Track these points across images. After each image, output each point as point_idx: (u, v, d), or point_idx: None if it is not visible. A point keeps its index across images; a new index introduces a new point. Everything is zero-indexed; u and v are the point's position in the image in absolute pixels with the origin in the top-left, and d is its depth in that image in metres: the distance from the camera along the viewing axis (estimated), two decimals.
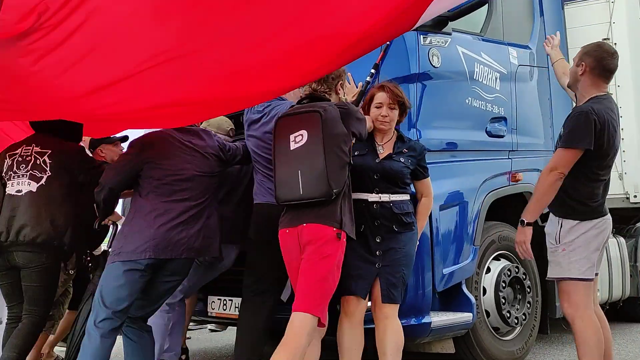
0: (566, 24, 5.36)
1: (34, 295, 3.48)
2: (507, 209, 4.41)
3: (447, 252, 3.86)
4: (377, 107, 3.29)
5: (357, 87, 3.69)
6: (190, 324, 4.78)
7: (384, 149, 3.31)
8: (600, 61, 3.14)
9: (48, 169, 3.56)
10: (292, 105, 3.27)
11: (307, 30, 2.58)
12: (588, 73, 3.17)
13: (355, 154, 3.19)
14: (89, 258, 3.96)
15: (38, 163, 3.57)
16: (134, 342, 3.32)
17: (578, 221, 3.14)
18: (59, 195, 3.57)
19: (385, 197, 3.19)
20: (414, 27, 2.98)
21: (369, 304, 3.22)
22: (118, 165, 3.35)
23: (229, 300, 4.07)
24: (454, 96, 4.09)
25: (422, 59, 3.83)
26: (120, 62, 2.58)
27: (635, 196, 5.52)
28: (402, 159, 3.26)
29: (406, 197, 3.26)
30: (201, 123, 4.10)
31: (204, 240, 3.30)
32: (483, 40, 4.38)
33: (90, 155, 4.12)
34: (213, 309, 4.19)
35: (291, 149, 2.93)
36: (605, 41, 3.85)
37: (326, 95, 3.16)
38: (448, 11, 3.68)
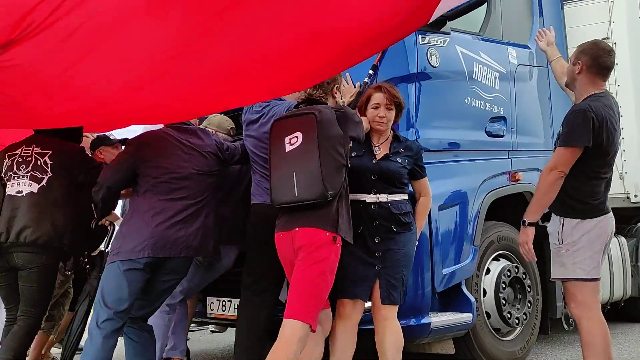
0: (565, 24, 5.34)
1: (32, 295, 3.47)
2: (507, 208, 4.40)
3: (447, 253, 3.85)
4: (374, 108, 3.28)
5: (354, 88, 3.68)
6: (191, 325, 4.77)
7: (381, 149, 3.30)
8: (597, 59, 3.13)
9: (49, 169, 3.56)
10: (291, 106, 3.26)
11: (309, 28, 2.58)
12: (585, 71, 3.15)
13: (352, 155, 3.18)
14: (86, 260, 3.94)
15: (39, 164, 3.57)
16: (135, 342, 3.32)
17: (579, 220, 3.12)
18: (60, 196, 3.56)
19: (383, 198, 3.18)
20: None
21: (367, 304, 3.21)
22: (115, 164, 3.35)
23: (228, 301, 4.07)
24: (453, 96, 4.08)
25: (421, 59, 3.82)
26: (120, 61, 2.58)
27: (635, 196, 5.50)
28: (399, 159, 3.25)
29: (404, 197, 3.25)
30: (201, 122, 4.11)
31: (202, 239, 3.30)
32: (482, 39, 4.37)
33: (91, 156, 4.12)
34: (212, 310, 4.19)
35: (286, 151, 2.92)
36: (601, 39, 3.82)
37: (323, 99, 3.15)
38: (447, 10, 3.67)
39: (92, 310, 3.91)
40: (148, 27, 2.44)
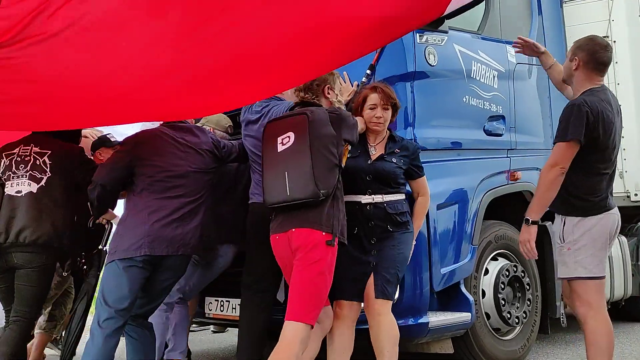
0: (565, 22, 5.33)
1: (28, 295, 3.47)
2: (506, 207, 4.39)
3: (445, 252, 3.84)
4: (371, 109, 3.28)
5: (352, 86, 3.67)
6: (193, 325, 4.78)
7: (376, 150, 3.30)
8: (594, 54, 3.12)
9: (48, 169, 3.56)
10: (290, 106, 3.26)
11: (314, 18, 2.56)
12: (582, 67, 3.14)
13: (348, 156, 3.17)
14: (83, 260, 3.95)
15: (38, 163, 3.57)
16: (135, 339, 3.33)
17: (580, 217, 3.09)
18: (59, 196, 3.57)
19: (378, 198, 3.18)
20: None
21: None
22: (110, 163, 3.35)
23: (226, 301, 4.07)
24: (451, 95, 4.07)
25: (419, 58, 3.81)
26: (118, 59, 2.59)
27: (636, 194, 5.48)
28: (394, 159, 3.24)
29: (401, 196, 3.25)
30: (200, 120, 4.11)
31: (200, 237, 3.31)
32: (480, 38, 4.36)
33: (91, 157, 4.12)
34: (210, 310, 4.19)
35: (278, 151, 2.92)
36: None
37: (316, 101, 3.14)
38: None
39: (90, 309, 3.92)
40: (147, 26, 2.45)
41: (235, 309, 3.99)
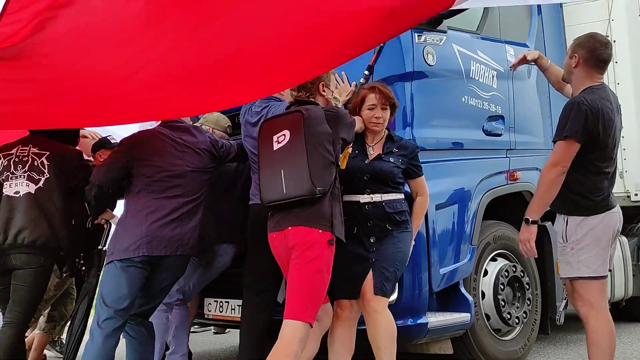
0: (564, 22, 5.31)
1: (23, 296, 3.45)
2: (506, 207, 4.38)
3: (444, 252, 3.83)
4: (370, 109, 3.28)
5: (350, 86, 3.67)
6: (194, 326, 4.77)
7: (374, 149, 3.30)
8: (594, 52, 3.10)
9: (46, 170, 3.56)
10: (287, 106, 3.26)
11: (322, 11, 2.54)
12: (582, 65, 3.12)
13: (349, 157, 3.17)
14: (82, 261, 3.94)
15: (36, 164, 3.57)
16: (133, 337, 3.33)
17: (583, 217, 3.07)
18: (57, 198, 3.57)
19: (377, 198, 3.18)
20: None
21: None
22: (107, 164, 3.35)
23: (225, 302, 4.07)
24: (450, 94, 4.06)
25: (417, 58, 3.80)
26: (118, 59, 2.60)
27: (636, 194, 5.47)
28: (391, 159, 3.24)
29: (399, 196, 3.24)
30: (198, 119, 4.11)
31: (199, 237, 3.31)
32: (479, 38, 4.35)
33: (91, 157, 4.12)
34: (209, 311, 4.19)
35: (274, 149, 2.92)
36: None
37: (311, 99, 3.13)
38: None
39: (92, 310, 3.92)
40: (147, 26, 2.46)
41: (234, 309, 3.99)
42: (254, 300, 3.42)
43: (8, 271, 3.51)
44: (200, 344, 6.21)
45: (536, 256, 3.27)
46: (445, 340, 3.92)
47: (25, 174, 3.54)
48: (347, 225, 3.05)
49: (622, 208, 5.31)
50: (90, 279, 3.94)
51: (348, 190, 3.17)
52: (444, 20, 3.85)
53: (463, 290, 3.88)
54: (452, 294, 3.86)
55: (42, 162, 3.58)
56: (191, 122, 3.71)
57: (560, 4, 5.25)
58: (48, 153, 3.61)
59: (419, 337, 3.68)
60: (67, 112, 3.05)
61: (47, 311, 4.60)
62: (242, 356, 3.40)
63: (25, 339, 3.92)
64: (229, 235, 3.92)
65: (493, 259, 4.26)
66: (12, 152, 3.61)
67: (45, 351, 4.82)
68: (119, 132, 4.17)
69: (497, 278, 4.14)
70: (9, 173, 3.57)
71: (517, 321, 4.20)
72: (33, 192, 3.52)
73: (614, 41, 5.31)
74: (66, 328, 5.01)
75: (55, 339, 5.03)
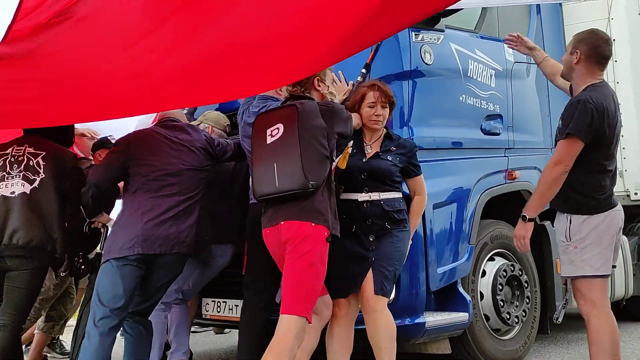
0: (564, 21, 5.30)
1: (18, 297, 3.43)
2: (504, 207, 4.36)
3: (442, 251, 3.82)
4: (370, 107, 3.26)
5: (347, 85, 3.65)
6: (194, 326, 4.77)
7: (372, 148, 3.29)
8: (596, 48, 3.06)
9: (42, 170, 3.53)
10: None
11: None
12: (583, 61, 3.08)
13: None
14: (81, 260, 3.94)
15: (31, 164, 3.54)
16: (130, 335, 3.34)
17: (587, 216, 3.04)
18: (52, 198, 3.54)
19: (375, 196, 3.17)
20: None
21: None
22: (104, 163, 3.35)
23: (223, 302, 4.06)
24: (448, 93, 4.05)
25: (414, 56, 3.79)
26: (118, 55, 2.59)
27: (636, 194, 5.45)
28: (389, 157, 3.23)
29: (398, 194, 3.23)
30: (197, 117, 4.11)
31: (196, 236, 3.31)
32: (478, 37, 4.34)
33: (91, 158, 4.11)
34: (207, 311, 4.18)
35: (267, 142, 2.90)
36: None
37: (306, 94, 3.11)
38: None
39: None
40: (148, 26, 2.46)
41: (232, 309, 3.98)
42: (253, 300, 3.42)
43: (2, 272, 3.48)
44: (201, 344, 6.21)
45: (529, 251, 3.25)
46: (443, 340, 3.90)
47: (21, 174, 3.51)
48: (345, 223, 3.04)
49: (622, 207, 5.34)
50: (93, 284, 3.92)
51: (346, 189, 3.16)
52: (442, 19, 3.84)
53: (461, 289, 3.86)
54: (450, 294, 3.85)
55: (37, 162, 3.55)
56: (190, 120, 3.72)
57: (560, 3, 5.24)
58: (44, 153, 3.59)
59: (416, 337, 3.67)
60: (67, 111, 3.06)
61: (46, 311, 4.59)
62: (241, 356, 3.40)
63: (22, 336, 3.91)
64: (226, 235, 3.91)
65: (491, 259, 4.25)
66: (8, 152, 3.59)
67: (46, 352, 4.82)
68: (118, 133, 4.17)
69: (495, 279, 4.13)
70: (4, 173, 3.54)
71: (516, 320, 4.19)
72: (28, 192, 3.49)
73: (614, 40, 5.28)
74: (66, 328, 5.03)
75: (54, 340, 5.03)
